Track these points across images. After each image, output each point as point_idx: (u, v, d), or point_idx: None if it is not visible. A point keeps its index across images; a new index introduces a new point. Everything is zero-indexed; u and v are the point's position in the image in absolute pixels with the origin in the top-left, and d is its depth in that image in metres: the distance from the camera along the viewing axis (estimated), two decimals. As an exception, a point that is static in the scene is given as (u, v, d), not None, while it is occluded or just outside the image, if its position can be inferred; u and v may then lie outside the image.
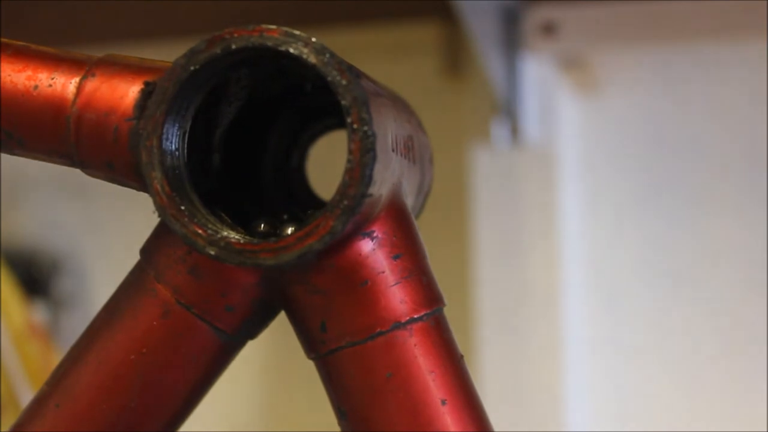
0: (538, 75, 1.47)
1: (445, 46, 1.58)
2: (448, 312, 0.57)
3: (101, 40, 1.66)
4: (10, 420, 1.50)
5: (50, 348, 1.61)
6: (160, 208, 0.51)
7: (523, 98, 1.46)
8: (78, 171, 0.57)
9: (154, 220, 0.58)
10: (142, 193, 0.56)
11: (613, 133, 1.52)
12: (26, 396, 1.52)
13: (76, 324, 1.78)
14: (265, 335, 0.60)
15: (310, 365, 0.59)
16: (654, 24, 1.41)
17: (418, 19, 1.58)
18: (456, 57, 1.58)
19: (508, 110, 1.46)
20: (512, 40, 1.44)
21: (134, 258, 0.60)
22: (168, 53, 0.57)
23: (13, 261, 1.67)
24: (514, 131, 1.46)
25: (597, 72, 1.50)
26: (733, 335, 1.47)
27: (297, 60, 0.49)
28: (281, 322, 0.59)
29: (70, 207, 1.82)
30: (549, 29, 1.42)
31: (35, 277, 1.75)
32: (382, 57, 1.58)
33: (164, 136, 0.51)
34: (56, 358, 1.59)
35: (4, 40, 0.56)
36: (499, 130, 1.47)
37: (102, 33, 1.67)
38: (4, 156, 0.59)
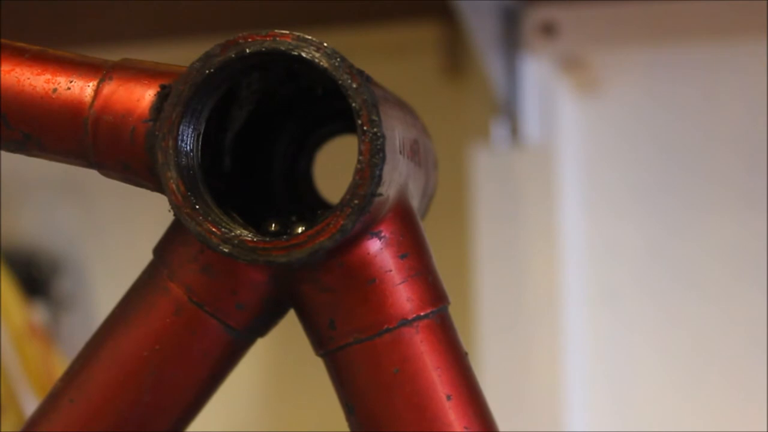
0: (538, 75, 1.47)
1: (445, 46, 1.59)
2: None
3: (101, 40, 1.66)
4: (10, 420, 1.50)
5: (50, 348, 1.61)
6: (175, 207, 0.52)
7: (523, 98, 1.46)
8: (78, 171, 0.58)
9: (155, 220, 0.59)
10: (142, 194, 0.57)
11: (613, 133, 1.52)
12: (26, 396, 1.52)
13: (76, 324, 1.78)
14: (269, 334, 0.61)
15: (313, 364, 0.60)
16: (654, 24, 1.42)
17: (418, 19, 1.59)
18: (456, 57, 1.59)
19: (508, 110, 1.46)
20: (512, 40, 1.45)
21: (134, 258, 0.61)
22: (168, 54, 0.58)
23: (13, 261, 1.67)
24: (514, 131, 1.47)
25: (597, 72, 1.51)
26: (733, 335, 1.47)
27: (309, 64, 0.51)
28: (284, 321, 0.60)
29: (70, 207, 1.83)
30: (549, 29, 1.43)
31: (35, 277, 1.75)
32: (382, 57, 1.59)
33: (180, 138, 0.52)
34: (56, 359, 1.59)
35: (22, 44, 0.57)
36: (499, 130, 1.47)
37: (102, 33, 1.68)
38: (4, 156, 0.60)
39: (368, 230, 0.54)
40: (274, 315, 0.58)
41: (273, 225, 0.55)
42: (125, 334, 0.58)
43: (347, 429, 0.58)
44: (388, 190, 0.53)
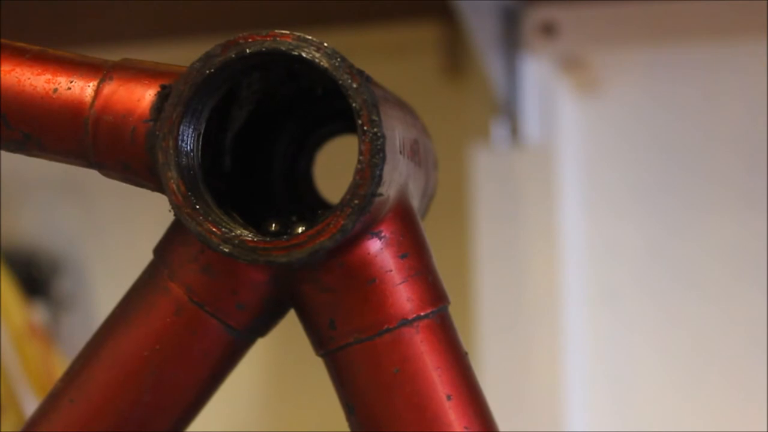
0: (538, 75, 1.47)
1: (445, 46, 1.59)
2: (449, 311, 0.58)
3: (101, 40, 1.67)
4: (10, 420, 1.50)
5: (50, 348, 1.61)
6: (175, 207, 0.52)
7: (523, 98, 1.46)
8: (78, 171, 0.58)
9: (155, 220, 0.59)
10: (142, 194, 0.57)
11: (613, 133, 1.52)
12: (26, 396, 1.52)
13: (76, 324, 1.78)
14: (269, 334, 0.61)
15: (313, 364, 0.60)
16: (654, 24, 1.42)
17: (418, 19, 1.59)
18: (456, 57, 1.59)
19: (508, 110, 1.47)
20: (512, 40, 1.45)
21: (134, 258, 0.61)
22: (168, 54, 0.58)
23: (13, 261, 1.68)
24: (514, 131, 1.47)
25: (597, 72, 1.51)
26: (733, 335, 1.48)
27: (309, 64, 0.51)
28: (284, 321, 0.60)
29: (70, 207, 1.83)
30: (549, 29, 1.43)
31: (35, 277, 1.75)
32: (382, 57, 1.59)
33: (180, 138, 0.52)
34: (56, 359, 1.59)
35: (23, 44, 0.57)
36: (499, 130, 1.47)
37: (102, 33, 1.68)
38: (4, 156, 0.60)
39: (368, 230, 0.54)
40: (275, 315, 0.59)
41: (273, 225, 0.55)
42: (125, 334, 0.58)
43: (347, 429, 0.58)
44: (389, 190, 0.53)
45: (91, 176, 0.58)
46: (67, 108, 0.55)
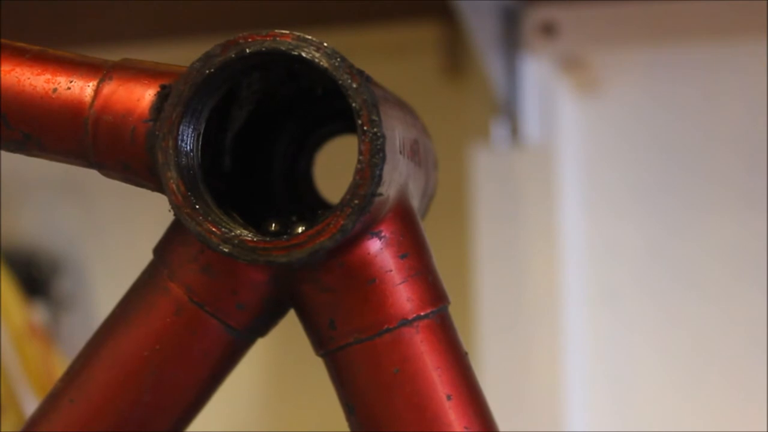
0: (538, 75, 1.47)
1: (445, 46, 1.59)
2: (448, 312, 0.58)
3: (101, 40, 1.67)
4: (10, 420, 1.50)
5: (50, 348, 1.61)
6: (175, 207, 0.52)
7: (523, 98, 1.47)
8: (78, 171, 0.58)
9: (155, 220, 0.59)
10: (142, 194, 0.57)
11: (613, 133, 1.52)
12: (26, 397, 1.52)
13: (76, 324, 1.78)
14: (269, 334, 0.61)
15: (313, 364, 0.60)
16: (654, 24, 1.42)
17: (418, 19, 1.59)
18: (456, 57, 1.59)
19: (508, 110, 1.47)
20: (512, 40, 1.45)
21: (134, 258, 0.61)
22: (168, 54, 0.58)
23: (13, 261, 1.68)
24: (514, 131, 1.47)
25: (597, 72, 1.51)
26: (733, 335, 1.48)
27: (309, 64, 0.51)
28: (284, 321, 0.60)
29: (70, 207, 1.83)
30: (549, 29, 1.43)
31: (35, 277, 1.75)
32: (382, 57, 1.59)
33: (180, 138, 0.52)
34: (56, 359, 1.59)
35: (23, 44, 0.57)
36: (499, 130, 1.47)
37: (102, 33, 1.68)
38: (4, 156, 0.60)
39: (368, 230, 0.54)
40: (275, 315, 0.59)
41: (273, 225, 0.55)
42: (125, 334, 0.58)
43: (347, 429, 0.58)
44: (388, 190, 0.53)
45: (91, 176, 0.58)
46: (66, 108, 0.55)
